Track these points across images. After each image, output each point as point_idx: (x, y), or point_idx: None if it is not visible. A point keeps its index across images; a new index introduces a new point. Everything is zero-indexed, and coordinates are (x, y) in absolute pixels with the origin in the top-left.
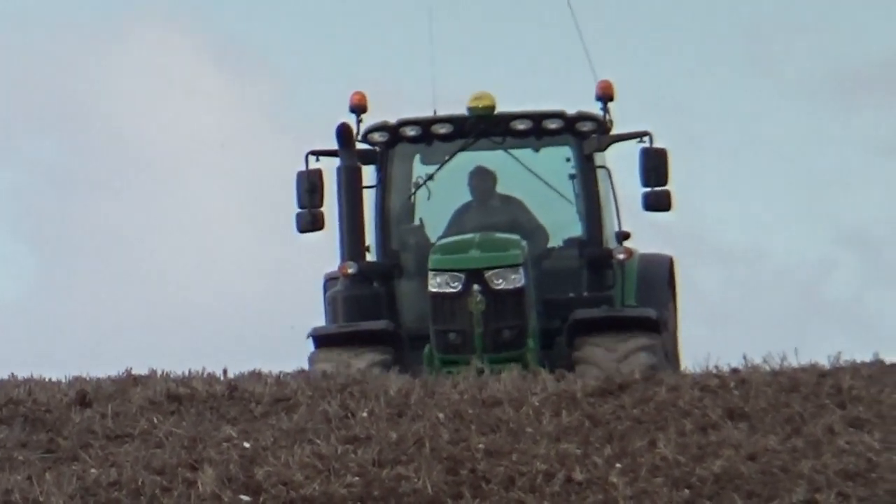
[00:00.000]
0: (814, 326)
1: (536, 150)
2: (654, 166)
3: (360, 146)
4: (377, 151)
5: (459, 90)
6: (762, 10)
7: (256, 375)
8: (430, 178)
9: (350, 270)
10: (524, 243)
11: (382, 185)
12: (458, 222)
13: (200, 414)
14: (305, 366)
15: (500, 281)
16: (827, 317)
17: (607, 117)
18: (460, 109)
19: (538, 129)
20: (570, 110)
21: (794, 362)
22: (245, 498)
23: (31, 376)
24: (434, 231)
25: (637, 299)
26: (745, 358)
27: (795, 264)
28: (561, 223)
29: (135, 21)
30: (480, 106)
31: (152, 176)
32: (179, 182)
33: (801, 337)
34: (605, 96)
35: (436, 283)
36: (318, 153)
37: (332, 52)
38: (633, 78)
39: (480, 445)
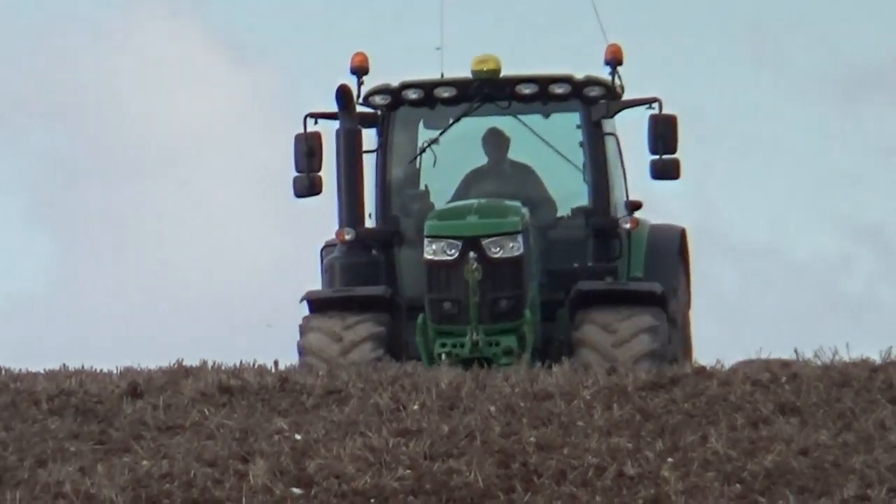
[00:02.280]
0: (828, 320)
1: (546, 115)
2: (663, 133)
3: (360, 109)
4: (378, 115)
5: (468, 53)
6: (769, 8)
7: (307, 367)
8: (434, 142)
9: (348, 237)
10: (525, 210)
11: (383, 150)
12: (467, 187)
13: (252, 406)
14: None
15: (498, 249)
16: (840, 311)
17: (618, 82)
18: (468, 73)
19: (545, 94)
20: (579, 75)
21: (844, 357)
22: (297, 490)
23: (82, 367)
24: (439, 197)
25: (645, 271)
26: (796, 352)
27: (807, 259)
28: (570, 191)
29: (132, 13)
30: (485, 69)
31: (164, 164)
32: (190, 169)
33: (815, 330)
34: (615, 61)
35: (431, 251)
36: (316, 115)
37: (334, 17)
38: (644, 55)
39: (532, 439)
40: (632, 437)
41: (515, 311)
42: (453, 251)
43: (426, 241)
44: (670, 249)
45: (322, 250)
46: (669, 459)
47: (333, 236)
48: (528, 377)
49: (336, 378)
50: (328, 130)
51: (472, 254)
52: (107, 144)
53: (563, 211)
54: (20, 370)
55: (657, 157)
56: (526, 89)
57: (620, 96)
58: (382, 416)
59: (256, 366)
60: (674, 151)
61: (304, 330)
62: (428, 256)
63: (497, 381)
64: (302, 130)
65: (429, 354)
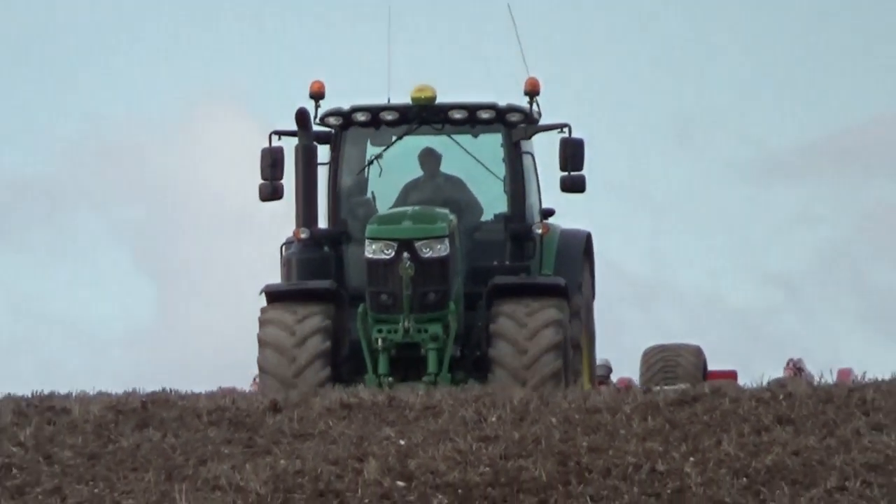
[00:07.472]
0: (752, 348)
1: (475, 135)
2: (572, 154)
3: (317, 128)
4: (332, 133)
5: (411, 80)
6: (692, 100)
7: (409, 388)
8: (378, 157)
9: (302, 235)
10: (452, 217)
11: (335, 163)
12: (405, 196)
13: (366, 418)
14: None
15: (428, 250)
16: (766, 341)
17: (535, 109)
18: (408, 99)
19: (473, 119)
20: (502, 103)
21: (829, 379)
22: (401, 483)
23: (234, 388)
24: (383, 203)
25: (555, 269)
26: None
27: (736, 301)
28: (493, 199)
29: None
30: (422, 97)
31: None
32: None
33: (743, 359)
34: (532, 91)
35: (371, 250)
36: (280, 133)
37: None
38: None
39: (584, 443)
40: (662, 442)
41: (442, 302)
42: (390, 251)
43: (367, 242)
44: (576, 251)
45: (282, 247)
46: (691, 459)
47: (291, 235)
48: (582, 396)
49: (433, 396)
50: (290, 146)
51: (405, 254)
52: (178, 212)
53: (486, 216)
54: (186, 391)
55: (566, 173)
56: (457, 114)
57: (538, 121)
58: (468, 425)
59: (370, 387)
60: (580, 169)
61: (261, 323)
62: (368, 255)
63: (557, 398)
64: (267, 145)
65: (367, 338)
